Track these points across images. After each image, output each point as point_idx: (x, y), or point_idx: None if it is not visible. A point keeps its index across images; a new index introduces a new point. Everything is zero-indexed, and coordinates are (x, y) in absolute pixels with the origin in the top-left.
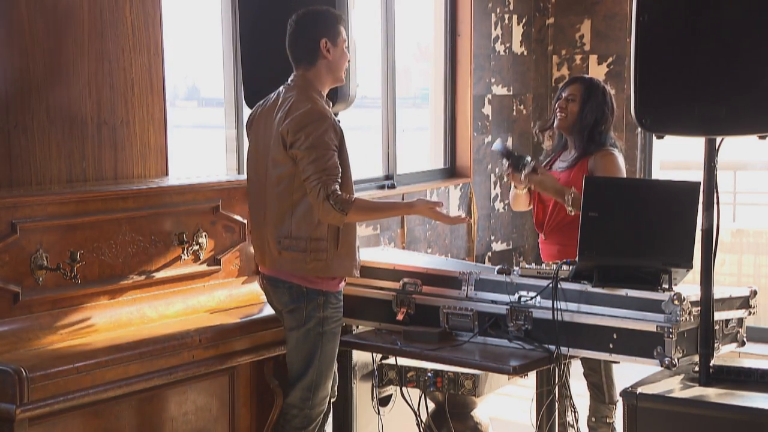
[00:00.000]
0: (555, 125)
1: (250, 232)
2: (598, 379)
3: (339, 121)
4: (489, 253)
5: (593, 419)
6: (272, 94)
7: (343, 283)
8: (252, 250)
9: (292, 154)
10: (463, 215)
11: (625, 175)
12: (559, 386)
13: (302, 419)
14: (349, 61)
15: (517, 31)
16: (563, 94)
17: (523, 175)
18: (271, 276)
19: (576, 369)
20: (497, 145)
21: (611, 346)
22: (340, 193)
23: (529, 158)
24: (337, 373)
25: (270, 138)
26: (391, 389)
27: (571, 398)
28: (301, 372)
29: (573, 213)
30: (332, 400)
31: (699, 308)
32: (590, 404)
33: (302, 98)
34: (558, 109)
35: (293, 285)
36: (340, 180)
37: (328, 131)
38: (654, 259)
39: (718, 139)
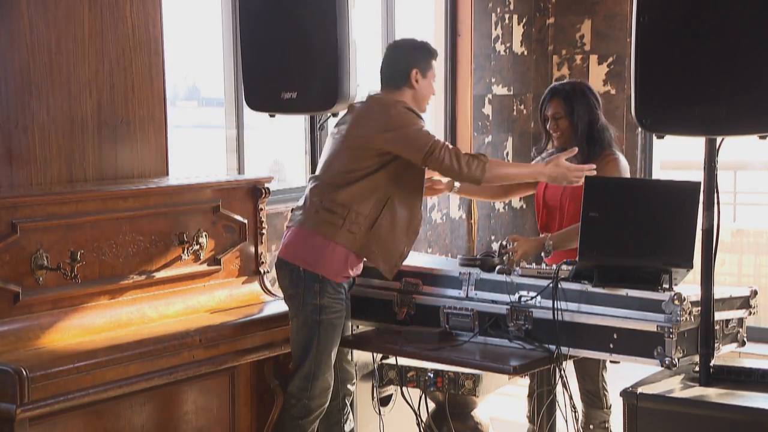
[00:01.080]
0: (555, 145)
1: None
2: (595, 386)
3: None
4: None
5: (591, 426)
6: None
7: (347, 276)
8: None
9: (388, 139)
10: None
11: (629, 176)
12: (558, 386)
13: (300, 409)
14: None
15: (518, 31)
16: (548, 114)
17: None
18: (278, 259)
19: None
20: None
21: (611, 346)
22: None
23: (496, 255)
24: (353, 370)
25: (349, 124)
26: (391, 389)
27: (571, 398)
28: (299, 361)
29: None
30: (348, 399)
31: (699, 308)
32: (585, 412)
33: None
34: (551, 131)
35: (294, 267)
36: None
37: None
38: (654, 259)
39: (719, 139)
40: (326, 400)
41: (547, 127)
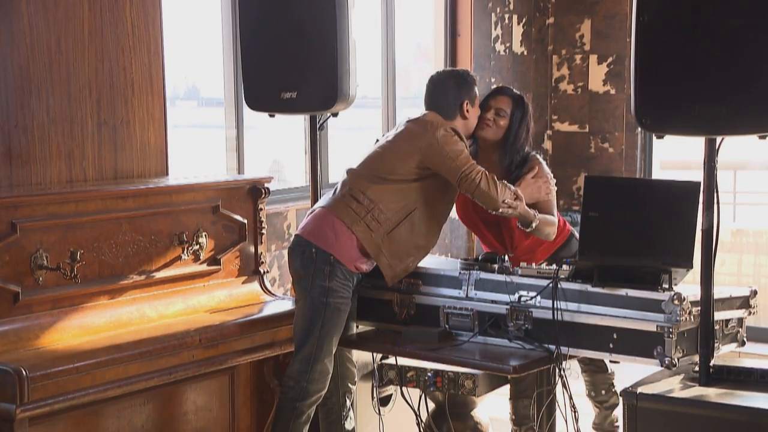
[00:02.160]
0: (478, 133)
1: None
2: None
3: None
4: None
5: (603, 392)
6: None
7: (358, 267)
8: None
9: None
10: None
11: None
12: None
13: (298, 391)
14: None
15: (517, 31)
16: (491, 103)
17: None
18: (294, 239)
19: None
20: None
21: (611, 345)
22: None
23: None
24: (354, 369)
25: (405, 130)
26: (391, 389)
27: (571, 398)
28: (301, 342)
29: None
30: (348, 397)
31: (699, 308)
32: (590, 380)
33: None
34: (487, 121)
35: (306, 247)
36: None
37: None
38: (654, 259)
39: (718, 139)
40: (324, 387)
41: (486, 115)
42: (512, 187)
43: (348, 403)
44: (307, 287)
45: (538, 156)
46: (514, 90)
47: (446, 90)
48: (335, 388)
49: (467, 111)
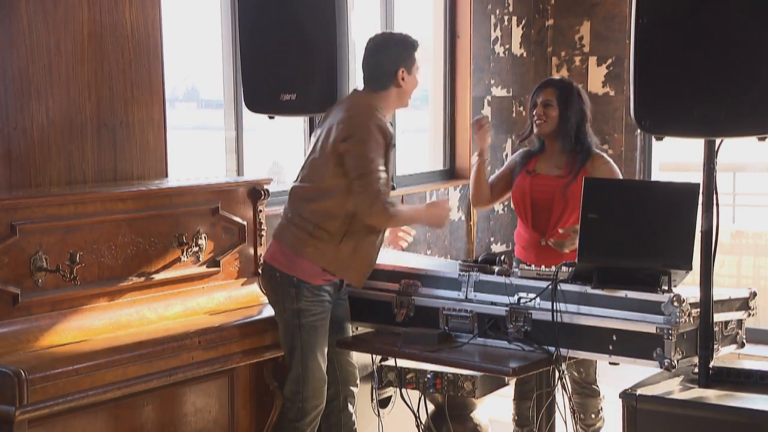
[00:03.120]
0: (535, 132)
1: None
2: (591, 375)
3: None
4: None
5: (592, 416)
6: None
7: (327, 279)
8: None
9: (343, 149)
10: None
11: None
12: (554, 388)
13: (296, 412)
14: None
15: (517, 32)
16: (538, 100)
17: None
18: (262, 263)
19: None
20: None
21: (611, 347)
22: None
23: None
24: (355, 371)
25: (326, 128)
26: (390, 391)
27: (570, 399)
28: (288, 363)
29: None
30: (350, 401)
31: (698, 310)
32: (580, 402)
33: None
34: (535, 116)
35: (272, 271)
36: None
37: (378, 138)
38: (653, 261)
39: (718, 140)
40: (321, 402)
41: (534, 113)
42: (402, 207)
43: (350, 408)
44: (280, 311)
45: (607, 157)
46: (560, 78)
47: (382, 56)
48: (335, 392)
49: (403, 79)
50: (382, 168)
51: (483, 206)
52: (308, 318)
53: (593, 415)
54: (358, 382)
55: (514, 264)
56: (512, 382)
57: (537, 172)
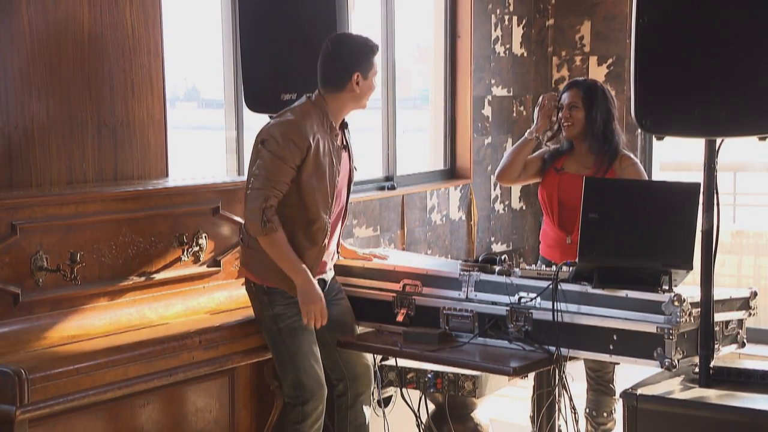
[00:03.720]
0: (564, 135)
1: None
2: (610, 373)
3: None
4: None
5: (605, 414)
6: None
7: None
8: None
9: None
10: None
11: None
12: (559, 387)
13: (297, 414)
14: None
15: (517, 32)
16: (563, 103)
17: None
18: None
19: (577, 371)
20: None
21: (611, 347)
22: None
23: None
24: (364, 369)
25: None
26: (391, 390)
27: (571, 399)
28: (282, 372)
29: None
30: (361, 399)
31: (699, 309)
32: (593, 399)
33: (297, 110)
34: (563, 119)
35: (248, 280)
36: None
37: (293, 147)
38: (654, 261)
39: (718, 140)
40: (321, 402)
41: (560, 116)
42: (277, 227)
43: (361, 407)
44: (260, 320)
45: (634, 159)
46: (584, 78)
47: (338, 58)
48: (342, 389)
49: (357, 83)
50: (279, 188)
51: (507, 182)
52: (285, 321)
53: (605, 414)
54: (371, 382)
55: (539, 263)
56: (522, 380)
57: (565, 170)
